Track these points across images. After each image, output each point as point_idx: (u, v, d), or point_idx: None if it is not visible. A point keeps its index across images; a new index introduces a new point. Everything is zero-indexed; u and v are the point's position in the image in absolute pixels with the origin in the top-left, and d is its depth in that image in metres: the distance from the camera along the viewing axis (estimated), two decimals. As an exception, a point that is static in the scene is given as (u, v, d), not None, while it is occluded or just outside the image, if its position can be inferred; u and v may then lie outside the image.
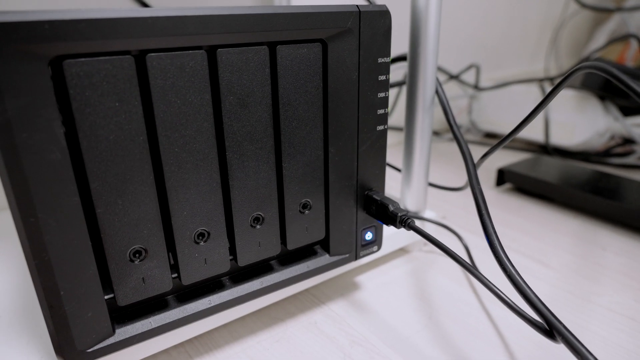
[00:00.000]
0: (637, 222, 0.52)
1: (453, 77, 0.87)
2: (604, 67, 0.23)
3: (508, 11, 1.09)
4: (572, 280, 0.44)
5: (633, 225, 0.54)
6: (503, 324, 0.37)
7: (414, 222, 0.34)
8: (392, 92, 0.87)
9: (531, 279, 0.44)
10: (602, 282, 0.43)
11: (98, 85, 0.23)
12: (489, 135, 0.96)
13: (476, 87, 0.92)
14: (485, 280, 0.29)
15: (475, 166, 0.37)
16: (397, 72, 0.82)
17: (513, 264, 0.29)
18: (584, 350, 0.25)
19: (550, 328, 0.26)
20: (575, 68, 0.26)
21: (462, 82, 0.90)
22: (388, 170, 0.70)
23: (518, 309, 0.28)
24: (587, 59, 0.72)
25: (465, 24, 0.99)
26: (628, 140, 0.79)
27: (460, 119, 0.97)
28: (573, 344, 0.25)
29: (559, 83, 0.27)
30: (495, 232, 0.31)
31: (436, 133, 0.97)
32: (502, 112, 0.89)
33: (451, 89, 0.97)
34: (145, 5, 0.57)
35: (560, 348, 0.34)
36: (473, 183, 0.35)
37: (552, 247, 0.50)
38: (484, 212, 0.32)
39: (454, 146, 0.90)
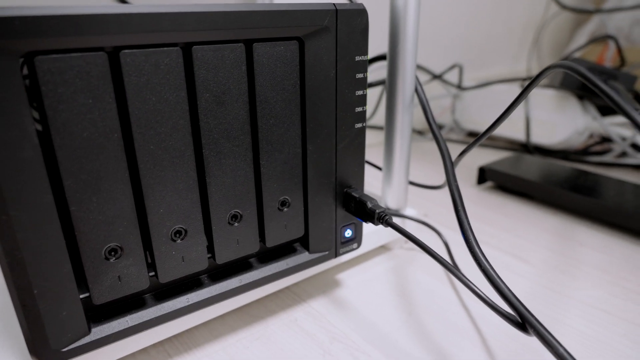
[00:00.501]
0: (614, 219, 0.53)
1: (436, 76, 0.88)
2: (572, 67, 0.24)
3: (491, 12, 1.10)
4: (551, 275, 0.45)
5: (610, 222, 0.55)
6: (481, 319, 0.38)
7: (391, 219, 0.34)
8: (376, 91, 0.87)
9: (511, 275, 0.45)
10: (579, 277, 0.44)
11: (71, 81, 0.23)
12: (472, 134, 0.98)
13: (459, 86, 0.93)
14: (459, 274, 0.29)
15: (453, 164, 0.37)
16: (381, 71, 0.82)
17: (488, 259, 0.30)
18: (554, 342, 0.25)
19: (523, 321, 0.27)
20: (545, 68, 0.26)
21: (445, 82, 0.91)
22: (371, 168, 0.71)
23: (491, 302, 0.28)
24: (566, 58, 0.73)
25: (449, 24, 1.00)
26: (606, 139, 0.81)
27: (444, 118, 0.98)
28: (544, 336, 0.26)
29: (530, 83, 0.28)
30: (471, 228, 0.31)
31: (420, 132, 0.98)
32: (484, 111, 0.90)
33: (435, 89, 0.98)
34: (124, 1, 0.56)
35: (536, 342, 0.35)
36: (450, 180, 0.35)
37: (531, 243, 0.51)
38: (460, 208, 0.32)
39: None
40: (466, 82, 0.97)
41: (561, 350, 0.25)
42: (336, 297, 0.41)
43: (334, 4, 0.31)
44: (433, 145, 0.91)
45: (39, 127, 0.25)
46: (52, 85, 0.22)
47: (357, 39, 0.33)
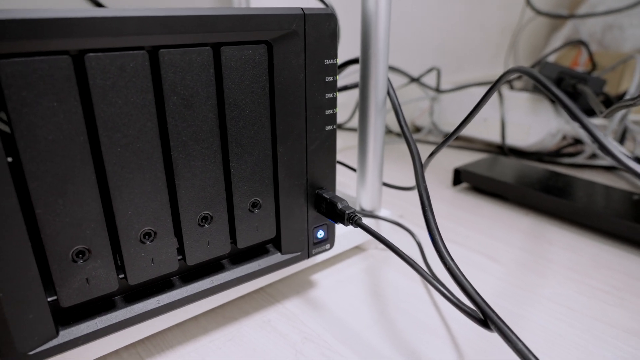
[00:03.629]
0: (582, 219, 0.55)
1: (414, 79, 0.89)
2: (528, 72, 0.25)
3: (468, 17, 1.12)
4: (519, 274, 0.46)
5: (579, 222, 0.56)
6: (451, 318, 0.39)
7: (360, 220, 0.35)
8: (354, 94, 0.88)
9: (481, 274, 0.46)
10: (547, 276, 0.45)
11: (35, 85, 0.23)
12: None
13: (437, 89, 0.95)
14: (422, 271, 0.30)
15: (422, 165, 0.38)
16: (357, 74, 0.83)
17: (453, 258, 0.31)
18: (514, 337, 0.26)
19: (485, 317, 0.28)
20: (504, 72, 0.27)
21: (423, 85, 0.92)
22: (347, 170, 0.71)
23: (454, 299, 0.29)
24: (539, 62, 0.74)
25: (427, 29, 1.02)
26: (578, 141, 0.83)
27: (422, 120, 1.00)
28: (504, 332, 0.26)
29: (491, 87, 0.29)
30: (437, 228, 0.32)
31: (398, 134, 0.99)
32: (461, 113, 0.92)
33: (413, 91, 1.00)
34: (99, 5, 0.56)
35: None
36: (419, 181, 0.36)
37: (503, 243, 0.52)
38: (427, 209, 0.33)
39: (418, 148, 0.92)
40: (444, 85, 0.99)
41: (520, 345, 0.26)
42: (310, 297, 0.42)
43: (302, 8, 0.31)
44: (412, 148, 0.92)
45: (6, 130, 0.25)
46: (15, 89, 0.22)
47: (326, 43, 0.33)
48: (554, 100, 0.22)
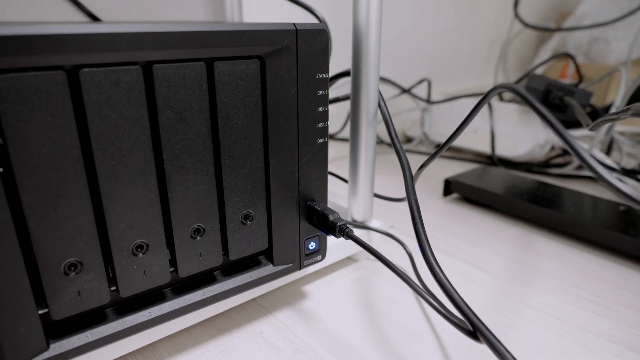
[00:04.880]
0: (570, 229, 0.56)
1: (405, 90, 0.90)
2: (513, 88, 0.26)
3: (459, 29, 1.13)
4: (508, 284, 0.46)
5: (566, 232, 0.57)
6: (442, 328, 0.39)
7: (352, 232, 0.35)
8: (347, 105, 0.89)
9: (470, 284, 0.46)
10: (535, 286, 0.46)
11: (29, 100, 0.23)
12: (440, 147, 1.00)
13: (428, 100, 0.96)
14: (412, 282, 0.30)
15: (412, 177, 0.39)
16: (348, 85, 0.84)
17: (442, 269, 0.31)
18: (502, 349, 0.26)
19: (474, 329, 0.28)
20: (491, 89, 0.28)
21: (414, 96, 0.94)
22: (339, 181, 0.72)
23: (443, 310, 0.29)
24: (528, 74, 0.76)
25: (418, 41, 1.03)
26: (566, 152, 0.84)
27: (414, 131, 1.01)
28: (493, 343, 0.27)
29: (479, 102, 0.29)
30: (427, 239, 0.32)
31: (390, 145, 1.00)
32: (451, 124, 0.93)
33: (405, 102, 1.01)
34: (95, 18, 0.57)
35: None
36: (409, 193, 0.36)
37: (491, 253, 0.53)
38: (417, 220, 0.34)
39: (410, 158, 0.93)
40: (435, 96, 1.00)
41: (508, 357, 0.26)
42: (301, 308, 0.42)
43: (294, 24, 0.32)
44: (403, 158, 0.92)
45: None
46: (9, 104, 0.23)
47: (318, 58, 0.34)
48: (539, 116, 0.23)
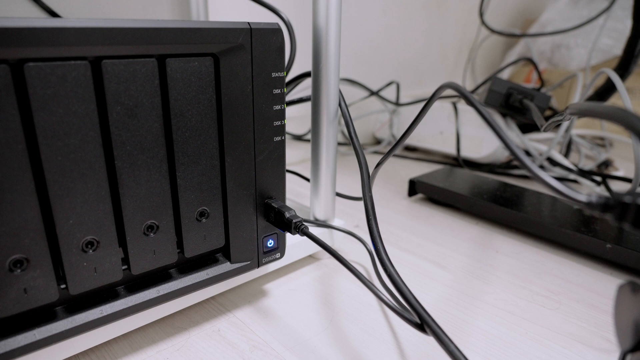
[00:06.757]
0: (527, 227, 0.57)
1: (373, 93, 0.92)
2: (456, 87, 0.27)
3: (428, 34, 1.16)
4: (465, 280, 0.47)
5: (524, 230, 0.59)
6: (398, 324, 0.40)
7: (307, 229, 0.36)
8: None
9: (428, 281, 0.47)
10: (491, 282, 0.47)
11: (-30, 93, 0.23)
12: (409, 148, 1.02)
13: (397, 103, 0.98)
14: (363, 278, 0.31)
15: (369, 176, 0.40)
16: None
17: (393, 263, 0.32)
18: (447, 340, 0.27)
19: (422, 322, 0.29)
20: (437, 88, 0.29)
21: (383, 98, 0.95)
22: (305, 182, 0.72)
23: (392, 304, 0.30)
24: (490, 78, 0.78)
25: (387, 44, 1.05)
26: (527, 153, 0.87)
27: (382, 132, 1.02)
28: (438, 335, 0.28)
29: (428, 101, 0.30)
30: (379, 234, 0.33)
31: (360, 146, 1.01)
32: (419, 126, 0.95)
33: (374, 104, 1.02)
34: (55, 15, 0.56)
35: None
36: (364, 191, 0.37)
37: (451, 251, 0.54)
38: (371, 216, 0.34)
39: (376, 158, 0.94)
40: (404, 99, 1.01)
41: (452, 347, 0.27)
42: (261, 306, 0.42)
43: (249, 23, 0.32)
44: (371, 158, 0.94)
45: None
46: (-52, 96, 0.22)
47: (273, 57, 0.34)
48: (479, 115, 0.24)
